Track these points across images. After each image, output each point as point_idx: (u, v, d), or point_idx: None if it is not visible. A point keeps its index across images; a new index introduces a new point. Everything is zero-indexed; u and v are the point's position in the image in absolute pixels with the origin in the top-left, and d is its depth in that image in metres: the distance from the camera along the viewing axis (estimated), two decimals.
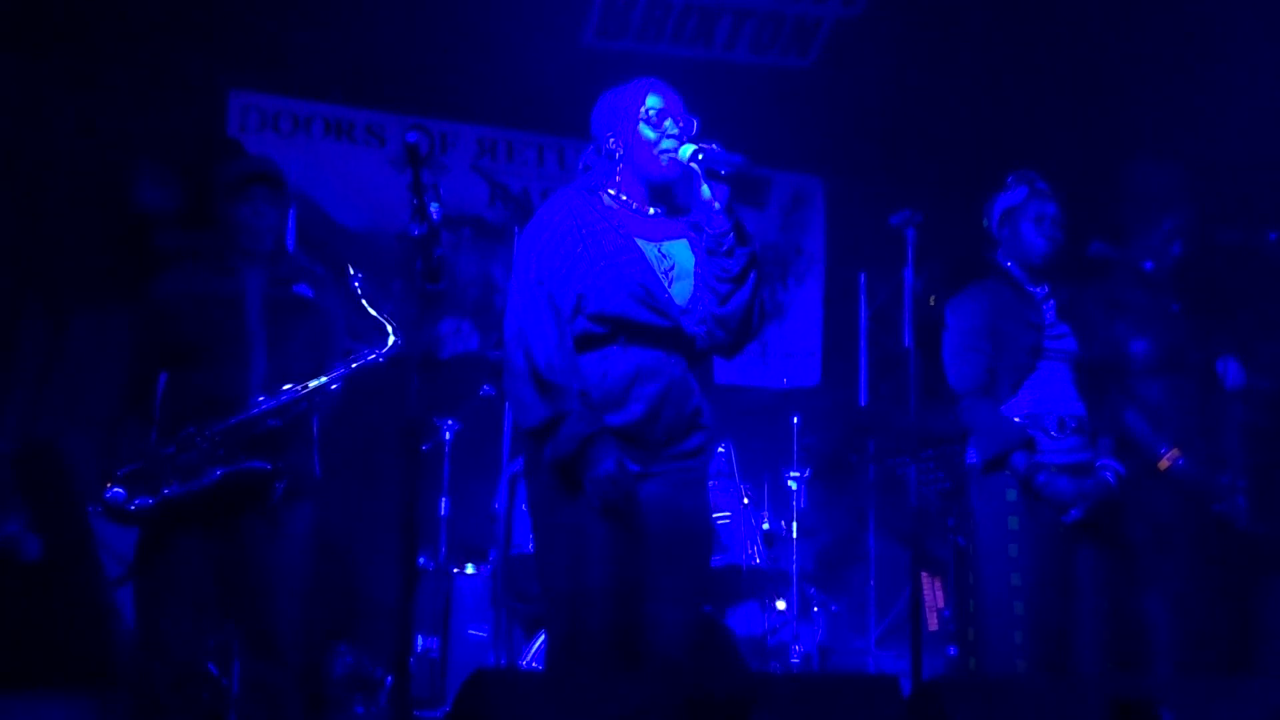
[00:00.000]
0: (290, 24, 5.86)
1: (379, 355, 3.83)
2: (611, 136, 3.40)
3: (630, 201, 3.40)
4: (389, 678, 5.21)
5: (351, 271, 3.83)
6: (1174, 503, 4.25)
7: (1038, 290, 4.18)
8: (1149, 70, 5.79)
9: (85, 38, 5.72)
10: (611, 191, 3.41)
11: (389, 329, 3.83)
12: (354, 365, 3.84)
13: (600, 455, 3.12)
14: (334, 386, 3.84)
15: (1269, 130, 5.40)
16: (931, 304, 6.30)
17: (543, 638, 4.90)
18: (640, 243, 3.32)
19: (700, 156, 3.27)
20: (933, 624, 6.32)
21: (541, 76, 6.23)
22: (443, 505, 5.33)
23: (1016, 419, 4.03)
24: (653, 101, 3.37)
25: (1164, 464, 4.23)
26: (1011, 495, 3.98)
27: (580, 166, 3.52)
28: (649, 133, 3.35)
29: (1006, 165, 4.35)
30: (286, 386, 3.77)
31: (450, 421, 5.39)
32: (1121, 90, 5.92)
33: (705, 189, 3.29)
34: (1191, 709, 2.89)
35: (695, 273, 3.37)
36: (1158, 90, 5.86)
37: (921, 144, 6.66)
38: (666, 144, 3.34)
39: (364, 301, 3.83)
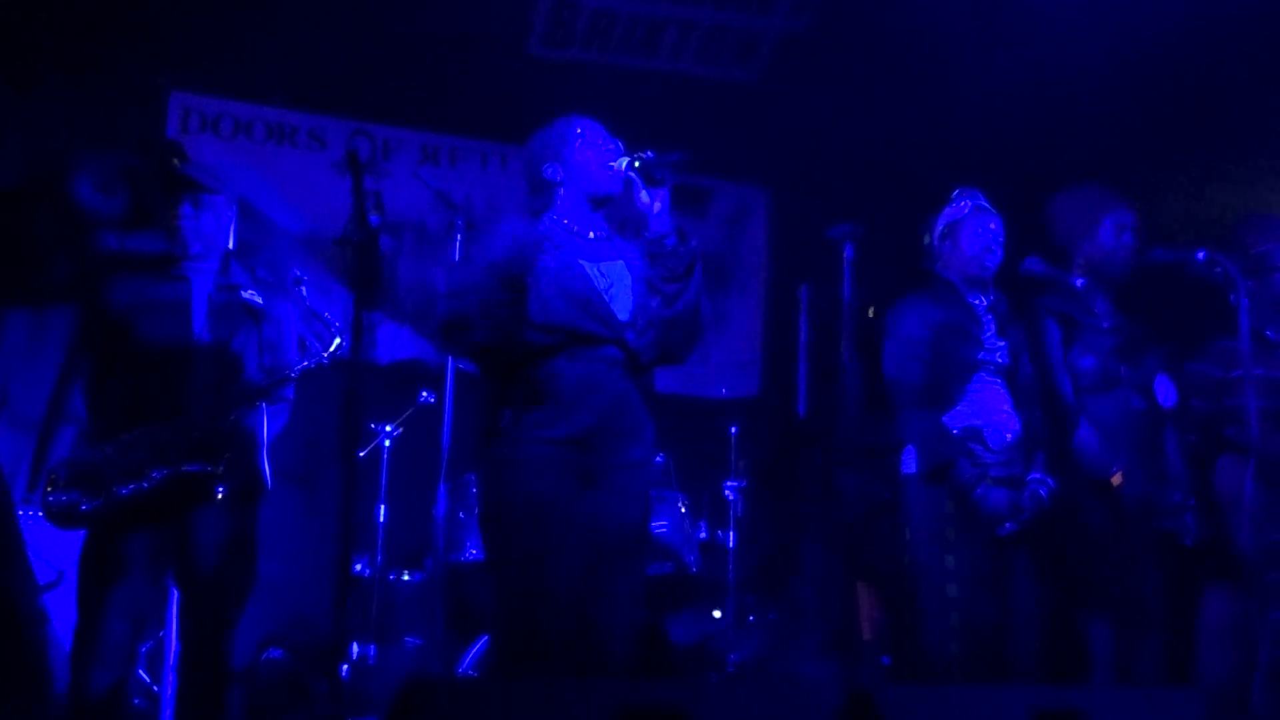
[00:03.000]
0: (233, 26, 5.82)
1: (322, 357, 3.83)
2: (548, 166, 3.56)
3: (571, 225, 3.56)
4: (322, 685, 5.18)
5: (298, 274, 3.84)
6: (1116, 518, 4.30)
7: (979, 303, 4.23)
8: (1091, 88, 5.87)
9: (25, 37, 5.65)
10: (554, 216, 3.57)
11: (336, 331, 3.83)
12: (296, 370, 3.84)
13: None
14: (275, 388, 3.83)
15: (1201, 150, 5.51)
16: (871, 316, 6.35)
17: (480, 644, 4.90)
18: (582, 261, 3.48)
19: (636, 164, 3.44)
20: (868, 633, 6.36)
21: (486, 84, 6.24)
22: (381, 512, 5.30)
23: (955, 431, 4.07)
24: (582, 127, 3.55)
25: (1116, 480, 4.27)
26: (948, 507, 4.02)
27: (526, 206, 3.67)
28: (584, 153, 3.53)
29: (949, 180, 4.41)
30: (231, 390, 3.76)
31: (389, 428, 5.37)
32: (1065, 105, 6.00)
33: (644, 194, 3.46)
34: (1118, 718, 2.93)
35: (633, 290, 3.52)
36: (1098, 109, 5.95)
37: (865, 157, 6.72)
38: (603, 159, 3.51)
39: (308, 304, 3.84)
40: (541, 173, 3.58)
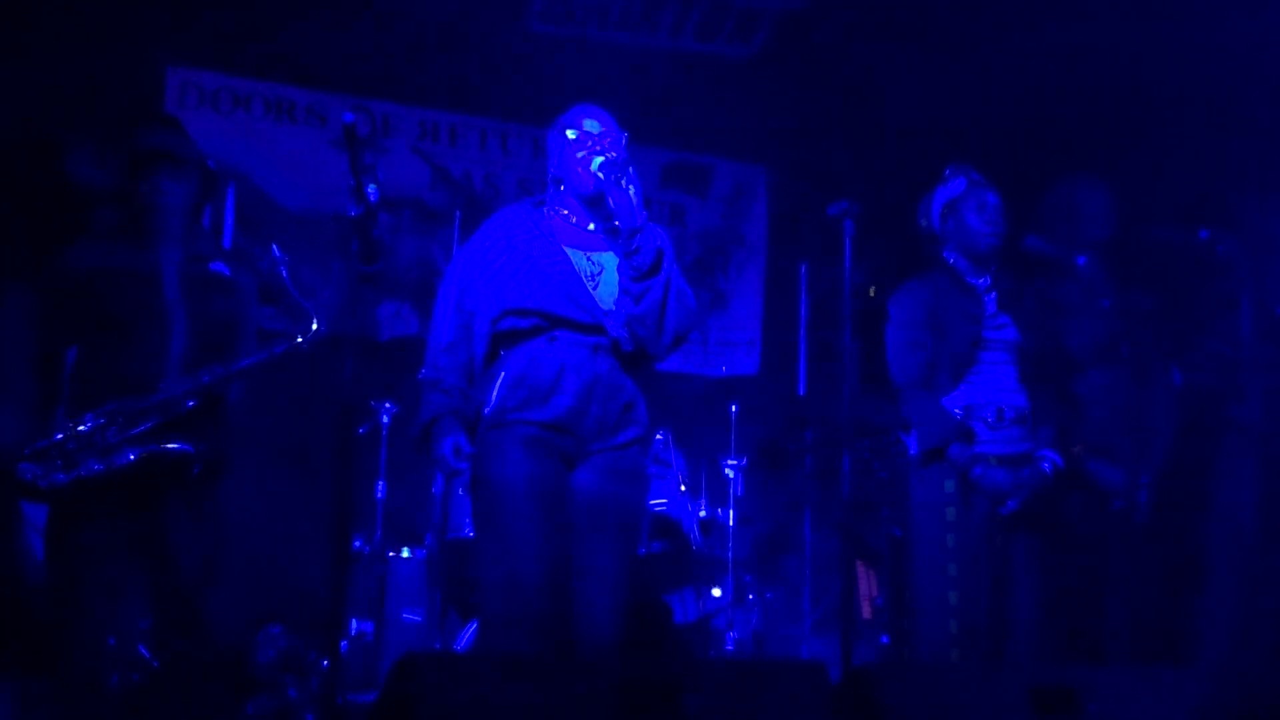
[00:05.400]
0: (231, 1, 5.80)
1: (302, 341, 3.80)
2: (549, 163, 3.71)
3: (570, 216, 3.66)
4: (323, 660, 5.18)
5: (277, 254, 3.81)
6: (1080, 498, 4.30)
7: (979, 282, 4.22)
8: (1090, 67, 5.86)
9: (22, 11, 5.62)
10: (556, 207, 3.68)
11: (312, 313, 3.80)
12: (277, 350, 3.81)
13: (439, 435, 3.45)
14: (255, 369, 3.80)
15: (1203, 128, 5.49)
16: (872, 295, 6.34)
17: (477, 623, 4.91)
18: (570, 250, 3.57)
19: (604, 165, 3.51)
20: (866, 613, 6.37)
21: (485, 60, 6.22)
22: (379, 488, 5.30)
23: (956, 411, 4.07)
24: (578, 124, 3.65)
25: (1073, 454, 4.26)
26: (949, 486, 4.02)
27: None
28: (572, 152, 3.62)
29: (949, 158, 4.39)
30: (207, 368, 3.73)
31: (388, 404, 5.37)
32: (1063, 84, 5.98)
33: (611, 196, 3.51)
34: (1112, 698, 2.94)
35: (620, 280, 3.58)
36: (1096, 87, 5.93)
37: (864, 135, 6.71)
38: (581, 157, 3.59)
39: (287, 285, 3.80)
40: (546, 169, 3.75)
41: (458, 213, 5.14)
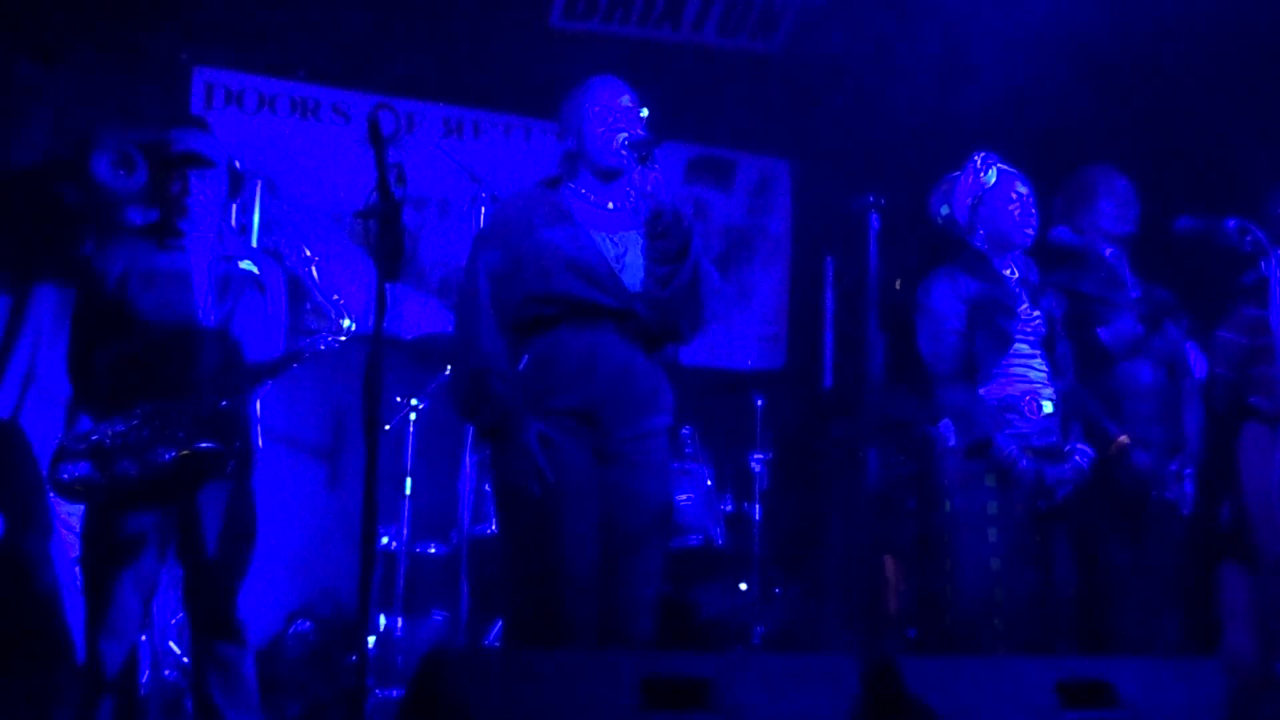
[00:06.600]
0: (256, 1, 5.83)
1: (334, 340, 3.82)
2: (566, 138, 3.55)
3: (588, 194, 3.53)
4: (351, 656, 5.21)
5: (307, 253, 3.83)
6: (1123, 488, 4.26)
7: (1009, 274, 4.18)
8: (1114, 56, 5.83)
9: (49, 12, 5.67)
10: (572, 186, 3.54)
11: (341, 312, 3.82)
12: (306, 349, 3.83)
13: (518, 427, 3.27)
14: (285, 368, 3.83)
15: (1227, 116, 5.46)
16: (897, 288, 6.32)
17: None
18: (592, 232, 3.44)
19: (630, 144, 3.40)
20: (893, 606, 6.36)
21: (508, 57, 6.24)
22: (407, 485, 5.32)
23: (993, 403, 4.02)
24: (601, 96, 3.51)
25: (1115, 447, 4.22)
26: (990, 480, 3.94)
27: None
28: (595, 126, 3.48)
29: (971, 150, 4.35)
30: (238, 367, 3.76)
31: (415, 401, 5.38)
32: (1087, 74, 5.95)
33: (636, 175, 3.41)
34: (1140, 689, 2.93)
35: (645, 262, 3.47)
36: (1121, 76, 5.90)
37: (887, 129, 6.69)
38: (601, 133, 3.47)
39: (316, 283, 3.82)
40: (562, 144, 3.58)
41: (481, 209, 5.14)
